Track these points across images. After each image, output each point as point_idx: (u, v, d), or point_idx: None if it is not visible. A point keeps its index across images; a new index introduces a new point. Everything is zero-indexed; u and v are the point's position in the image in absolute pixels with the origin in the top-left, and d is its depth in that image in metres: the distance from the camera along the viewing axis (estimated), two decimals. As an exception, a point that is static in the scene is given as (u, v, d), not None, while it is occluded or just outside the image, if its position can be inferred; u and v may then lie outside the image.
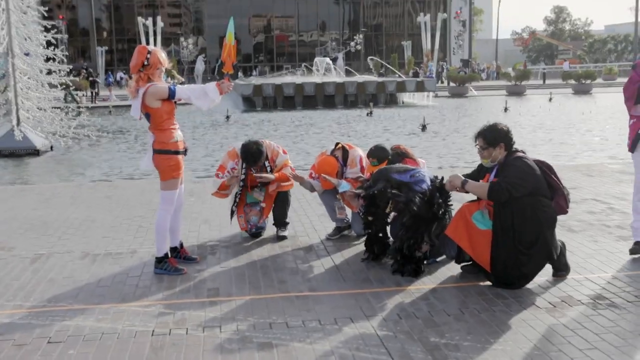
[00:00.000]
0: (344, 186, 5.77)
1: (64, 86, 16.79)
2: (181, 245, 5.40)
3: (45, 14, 16.63)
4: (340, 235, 6.11)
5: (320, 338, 3.80)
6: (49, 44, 16.06)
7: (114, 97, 35.95)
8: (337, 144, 6.09)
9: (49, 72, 16.05)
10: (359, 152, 5.98)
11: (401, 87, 32.55)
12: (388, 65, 47.71)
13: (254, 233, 6.13)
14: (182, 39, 59.26)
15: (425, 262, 5.01)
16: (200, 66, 51.68)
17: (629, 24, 78.30)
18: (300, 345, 3.71)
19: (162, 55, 4.99)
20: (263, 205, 6.11)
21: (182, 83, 30.98)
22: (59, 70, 16.06)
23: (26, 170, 13.52)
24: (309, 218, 6.87)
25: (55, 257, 5.57)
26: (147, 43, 44.91)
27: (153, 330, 3.97)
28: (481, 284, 4.68)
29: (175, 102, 5.00)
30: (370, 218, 5.22)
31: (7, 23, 14.95)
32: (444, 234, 4.82)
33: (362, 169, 5.86)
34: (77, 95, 21.31)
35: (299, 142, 17.04)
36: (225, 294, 4.61)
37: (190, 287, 4.76)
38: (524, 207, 4.47)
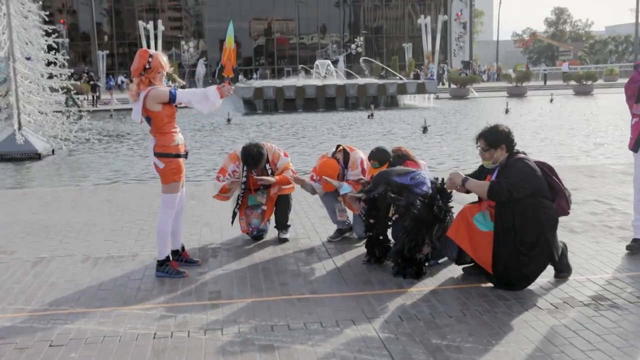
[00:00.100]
0: (345, 188, 5.77)
1: (65, 90, 16.81)
2: (183, 248, 5.41)
3: (46, 18, 16.66)
4: (341, 237, 6.11)
5: (322, 340, 3.80)
6: (50, 48, 16.09)
7: (115, 101, 36.01)
8: (338, 146, 6.09)
9: (50, 76, 16.09)
10: (360, 155, 5.98)
11: (402, 89, 32.56)
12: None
13: (256, 235, 6.13)
14: (182, 42, 59.33)
15: (426, 264, 5.01)
16: (201, 69, 51.78)
17: (629, 25, 78.27)
18: (302, 348, 3.71)
19: (164, 58, 5.00)
20: (265, 207, 6.11)
21: (183, 86, 30.99)
22: (60, 74, 16.10)
23: (27, 174, 13.53)
24: (310, 220, 6.87)
25: (57, 261, 5.58)
26: (148, 47, 44.93)
27: (155, 333, 3.97)
28: (483, 285, 4.68)
29: (176, 106, 5.01)
30: (371, 221, 5.22)
31: (8, 27, 14.99)
32: (446, 235, 4.82)
33: (363, 171, 5.85)
34: (78, 99, 21.37)
35: (300, 144, 17.04)
36: (226, 296, 4.61)
37: (192, 290, 4.76)
38: (525, 208, 4.47)
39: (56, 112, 16.20)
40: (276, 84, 33.24)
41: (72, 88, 17.12)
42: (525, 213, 4.47)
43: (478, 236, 4.63)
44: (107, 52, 57.64)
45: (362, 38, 61.56)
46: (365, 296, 4.54)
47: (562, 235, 5.28)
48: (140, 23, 51.62)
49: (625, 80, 5.91)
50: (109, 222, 7.00)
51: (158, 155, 4.95)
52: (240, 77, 50.81)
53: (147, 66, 4.84)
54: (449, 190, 4.94)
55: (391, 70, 46.10)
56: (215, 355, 3.66)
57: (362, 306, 4.34)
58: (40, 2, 16.61)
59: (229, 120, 23.74)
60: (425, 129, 19.01)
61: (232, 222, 6.14)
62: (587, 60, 79.76)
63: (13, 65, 14.98)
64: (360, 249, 5.68)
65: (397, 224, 5.17)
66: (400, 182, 4.94)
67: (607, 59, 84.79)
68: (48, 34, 16.14)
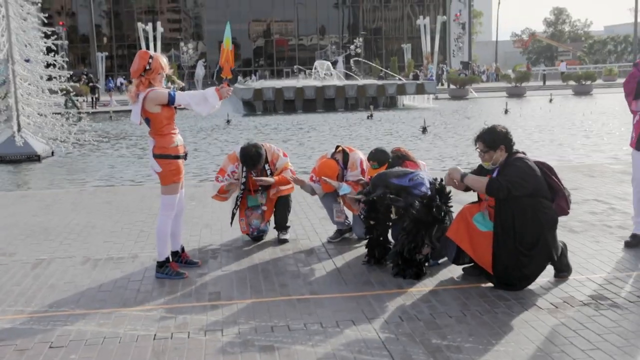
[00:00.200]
0: (345, 189, 5.77)
1: (65, 92, 16.82)
2: (182, 249, 5.41)
3: (45, 21, 16.66)
4: (341, 238, 6.11)
5: (322, 341, 3.80)
6: (49, 50, 16.10)
7: (115, 102, 35.98)
8: (337, 146, 6.09)
9: (50, 78, 16.08)
10: (360, 155, 5.98)
11: (401, 89, 32.57)
12: (375, 66, 47.63)
13: (256, 236, 6.13)
14: (182, 44, 59.39)
15: (426, 264, 5.01)
16: (200, 71, 51.83)
17: (628, 25, 78.37)
18: (302, 348, 3.71)
19: (164, 60, 5.00)
20: (265, 208, 6.11)
21: (182, 88, 31.00)
22: (60, 76, 16.10)
23: (27, 176, 13.53)
24: (310, 221, 6.87)
25: (57, 263, 5.57)
26: (147, 48, 44.89)
27: (155, 335, 3.97)
28: (482, 285, 4.68)
29: (175, 108, 5.01)
30: (371, 222, 5.22)
31: (7, 30, 14.99)
32: (445, 236, 4.82)
33: (362, 172, 5.86)
34: (77, 100, 21.36)
35: (299, 145, 17.04)
36: (226, 297, 4.61)
37: (192, 291, 4.76)
38: (525, 208, 4.47)
39: (55, 114, 16.20)
40: (275, 85, 33.24)
41: (71, 90, 17.13)
42: (524, 213, 4.47)
43: (478, 236, 4.63)
44: (106, 54, 57.67)
45: (361, 39, 61.57)
46: (365, 297, 4.54)
47: (562, 234, 5.28)
48: (140, 25, 51.66)
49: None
50: (109, 224, 7.00)
51: (157, 156, 4.95)
52: (240, 78, 50.83)
53: (148, 67, 4.85)
54: (447, 186, 4.93)
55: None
56: (216, 356, 3.66)
57: (362, 307, 4.34)
58: (39, 5, 16.57)
59: (228, 121, 23.75)
60: (424, 130, 19.02)
61: (231, 223, 6.14)
62: (586, 60, 79.78)
63: (12, 68, 14.98)
64: (360, 250, 5.68)
65: (397, 225, 5.17)
66: (398, 184, 4.94)
67: (606, 59, 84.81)
68: (47, 36, 16.15)
